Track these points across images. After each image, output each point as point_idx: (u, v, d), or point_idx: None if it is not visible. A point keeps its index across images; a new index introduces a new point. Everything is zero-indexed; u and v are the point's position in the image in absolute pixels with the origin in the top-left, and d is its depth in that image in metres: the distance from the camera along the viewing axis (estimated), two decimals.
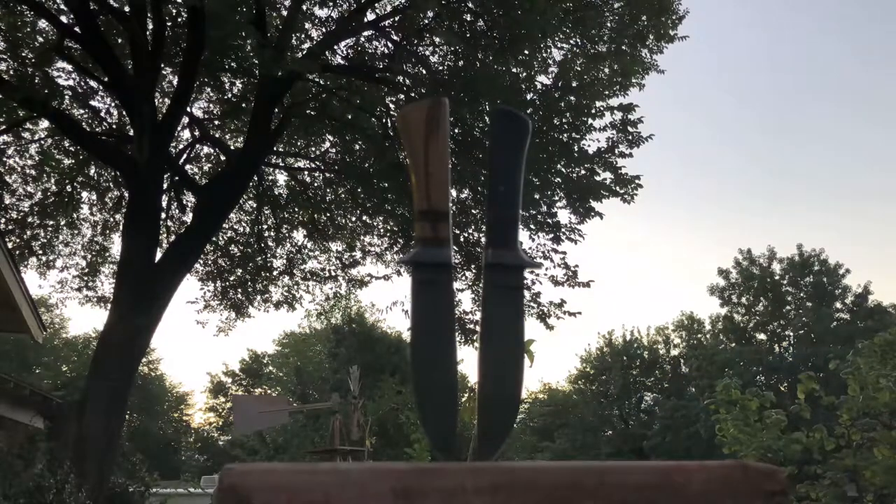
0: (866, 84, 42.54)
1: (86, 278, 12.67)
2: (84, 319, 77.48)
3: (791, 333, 27.40)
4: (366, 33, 9.93)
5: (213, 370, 38.47)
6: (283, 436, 23.83)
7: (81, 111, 11.15)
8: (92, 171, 12.05)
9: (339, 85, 10.53)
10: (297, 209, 12.70)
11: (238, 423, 11.21)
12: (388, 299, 54.80)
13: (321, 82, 10.60)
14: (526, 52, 9.13)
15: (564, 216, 10.34)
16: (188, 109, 10.77)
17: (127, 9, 9.22)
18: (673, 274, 53.23)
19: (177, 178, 11.45)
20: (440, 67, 9.87)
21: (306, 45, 10.24)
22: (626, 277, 51.72)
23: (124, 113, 10.57)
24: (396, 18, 9.84)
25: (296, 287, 13.05)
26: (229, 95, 11.23)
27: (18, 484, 6.79)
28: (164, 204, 10.93)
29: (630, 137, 9.52)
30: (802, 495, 8.41)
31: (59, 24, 9.30)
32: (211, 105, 11.98)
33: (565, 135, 9.54)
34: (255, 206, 12.49)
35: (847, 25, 43.57)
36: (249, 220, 12.63)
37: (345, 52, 10.19)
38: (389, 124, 10.05)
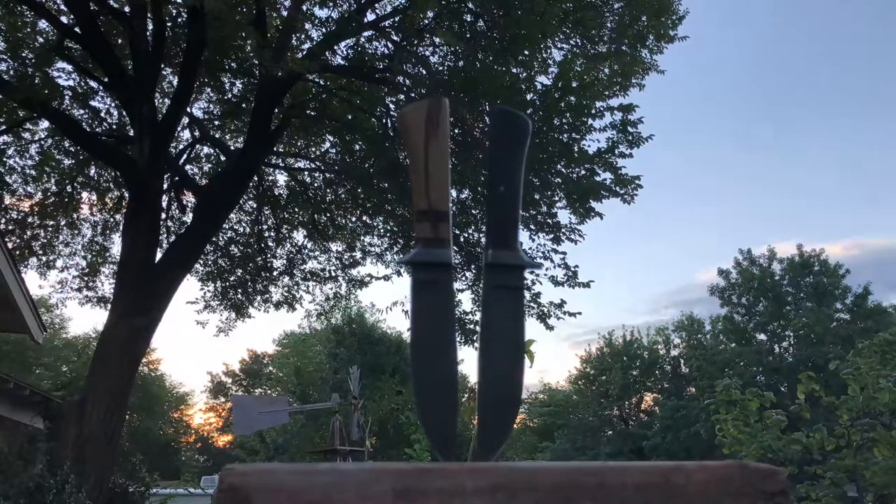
0: (867, 83, 42.52)
1: (86, 278, 12.66)
2: (84, 319, 77.50)
3: (791, 333, 27.36)
4: (366, 33, 9.93)
5: (213, 370, 38.52)
6: (283, 436, 23.84)
7: (81, 111, 11.16)
8: (92, 171, 12.05)
9: (339, 85, 10.53)
10: (297, 209, 12.69)
11: (238, 423, 11.21)
12: (388, 299, 54.88)
13: (321, 83, 10.60)
14: (526, 52, 9.13)
15: (564, 216, 10.35)
16: (188, 109, 10.77)
17: (127, 9, 9.23)
18: (673, 273, 53.21)
19: (177, 178, 11.45)
20: (440, 67, 9.86)
21: (306, 46, 10.25)
22: (626, 276, 51.73)
23: (124, 113, 10.57)
24: (396, 19, 9.84)
25: (296, 287, 13.06)
26: (229, 95, 11.23)
27: (18, 484, 6.79)
28: (164, 204, 10.93)
29: (630, 138, 9.51)
30: (802, 495, 8.40)
31: (59, 24, 9.30)
32: (211, 105, 11.99)
33: (565, 135, 9.52)
34: (255, 206, 12.49)
35: (847, 24, 43.55)
36: (249, 221, 12.63)
37: (345, 52, 10.19)
38: (389, 124, 10.04)
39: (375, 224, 12.23)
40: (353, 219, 12.47)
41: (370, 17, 9.91)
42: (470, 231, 10.82)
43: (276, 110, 9.93)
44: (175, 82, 10.25)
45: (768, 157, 47.53)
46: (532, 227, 10.29)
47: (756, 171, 48.13)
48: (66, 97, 10.64)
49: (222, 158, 12.10)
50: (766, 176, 47.19)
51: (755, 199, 48.57)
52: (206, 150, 12.61)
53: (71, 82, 10.67)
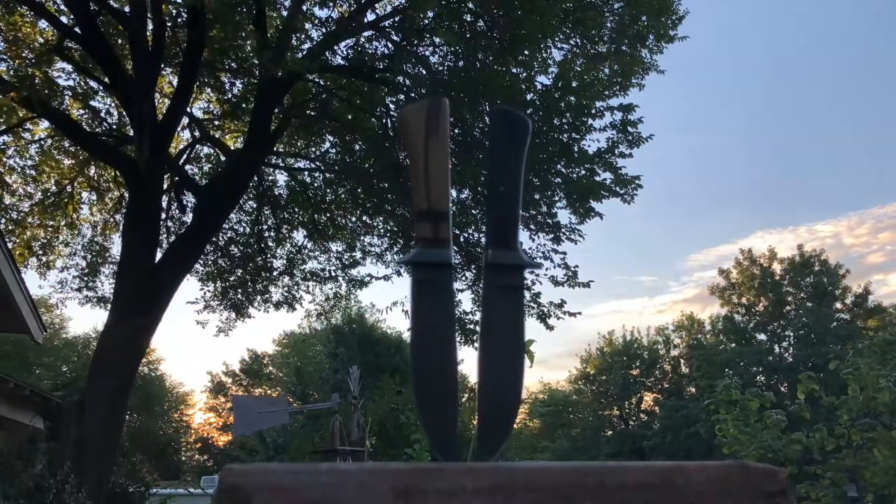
0: (868, 82, 42.56)
1: (86, 278, 12.67)
2: (84, 319, 77.44)
3: (791, 333, 27.38)
4: (366, 33, 9.93)
5: (213, 370, 38.53)
6: (283, 436, 23.81)
7: (81, 111, 11.16)
8: (92, 171, 12.06)
9: (339, 85, 10.52)
10: (297, 209, 12.69)
11: (238, 423, 11.21)
12: (388, 299, 54.89)
13: (321, 83, 10.59)
14: (526, 52, 9.12)
15: (564, 216, 10.34)
16: (188, 109, 10.78)
17: (127, 9, 9.23)
18: (671, 272, 53.26)
19: (177, 178, 11.45)
20: (440, 67, 9.86)
21: (306, 46, 10.25)
22: (624, 274, 51.79)
23: (124, 113, 10.58)
24: (396, 18, 9.84)
25: (296, 287, 13.05)
26: (229, 95, 11.23)
27: (18, 484, 6.79)
28: (164, 204, 10.93)
29: (630, 138, 9.51)
30: (802, 495, 8.40)
31: (59, 24, 9.30)
32: (211, 105, 11.99)
33: (565, 135, 9.52)
34: (255, 206, 12.49)
35: (847, 25, 43.59)
36: (249, 221, 12.62)
37: (345, 52, 10.19)
38: (389, 124, 10.04)
39: (375, 224, 12.22)
40: (353, 219, 12.47)
41: (370, 17, 9.92)
42: (470, 231, 10.81)
43: (276, 110, 9.93)
44: (175, 82, 10.25)
45: (767, 157, 47.55)
46: (532, 227, 10.29)
47: (756, 171, 48.15)
48: (66, 97, 10.64)
49: (222, 158, 12.11)
50: (766, 175, 47.19)
51: (755, 197, 48.58)
52: (206, 150, 12.62)
53: (71, 82, 10.70)
